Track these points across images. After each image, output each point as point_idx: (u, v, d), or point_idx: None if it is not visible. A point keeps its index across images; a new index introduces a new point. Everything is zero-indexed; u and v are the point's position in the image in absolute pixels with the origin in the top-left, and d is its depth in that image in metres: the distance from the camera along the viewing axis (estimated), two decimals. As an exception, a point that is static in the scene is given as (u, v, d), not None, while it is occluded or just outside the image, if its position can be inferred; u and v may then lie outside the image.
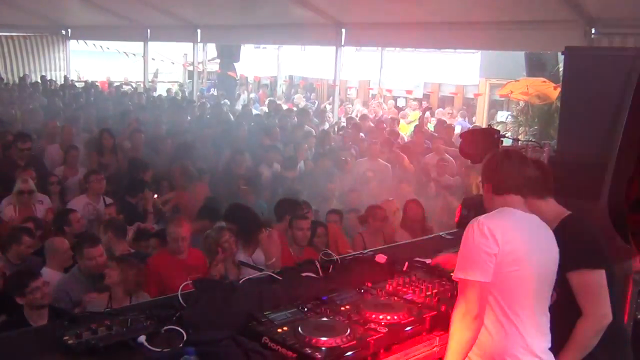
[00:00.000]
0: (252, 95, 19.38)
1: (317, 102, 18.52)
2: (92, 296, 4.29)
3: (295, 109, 14.23)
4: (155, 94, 16.63)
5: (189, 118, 12.21)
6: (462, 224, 3.74)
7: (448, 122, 12.21)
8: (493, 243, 2.50)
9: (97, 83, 17.52)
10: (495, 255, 2.50)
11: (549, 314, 2.69)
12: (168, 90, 18.29)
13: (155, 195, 6.72)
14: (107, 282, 4.35)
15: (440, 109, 15.92)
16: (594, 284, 2.72)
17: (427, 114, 13.09)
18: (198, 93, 16.72)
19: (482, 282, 2.51)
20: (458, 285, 2.61)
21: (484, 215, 2.63)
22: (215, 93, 17.62)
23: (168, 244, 4.96)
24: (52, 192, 6.76)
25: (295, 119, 11.86)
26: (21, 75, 17.46)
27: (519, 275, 2.54)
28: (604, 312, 2.71)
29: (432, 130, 11.39)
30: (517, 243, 2.55)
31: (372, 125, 11.55)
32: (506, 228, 2.56)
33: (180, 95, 17.36)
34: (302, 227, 5.10)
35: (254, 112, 14.09)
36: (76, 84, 17.47)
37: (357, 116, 13.63)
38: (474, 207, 3.65)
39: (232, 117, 12.50)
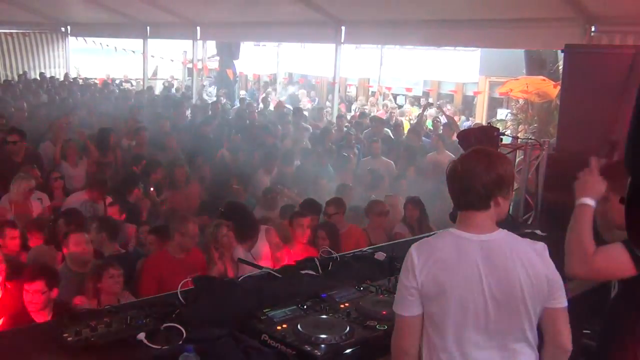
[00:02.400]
0: (243, 91, 18.95)
1: (317, 100, 18.49)
2: (82, 299, 4.22)
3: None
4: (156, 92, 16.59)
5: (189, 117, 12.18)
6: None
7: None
8: (412, 276, 2.25)
9: (96, 80, 17.51)
10: (415, 288, 2.25)
11: (523, 344, 2.28)
12: (169, 85, 18.12)
13: (152, 189, 6.63)
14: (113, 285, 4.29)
15: (433, 109, 15.61)
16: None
17: (427, 111, 13.00)
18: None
19: (406, 316, 2.29)
20: None
21: (419, 242, 2.36)
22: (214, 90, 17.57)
23: (173, 242, 4.81)
24: (55, 188, 6.67)
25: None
26: (20, 72, 17.43)
27: (446, 310, 2.23)
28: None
29: (432, 127, 11.36)
30: (446, 274, 2.22)
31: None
32: (435, 258, 2.25)
33: (179, 92, 17.26)
34: (302, 224, 5.11)
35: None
36: (78, 81, 17.44)
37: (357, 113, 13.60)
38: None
39: (229, 115, 12.48)
